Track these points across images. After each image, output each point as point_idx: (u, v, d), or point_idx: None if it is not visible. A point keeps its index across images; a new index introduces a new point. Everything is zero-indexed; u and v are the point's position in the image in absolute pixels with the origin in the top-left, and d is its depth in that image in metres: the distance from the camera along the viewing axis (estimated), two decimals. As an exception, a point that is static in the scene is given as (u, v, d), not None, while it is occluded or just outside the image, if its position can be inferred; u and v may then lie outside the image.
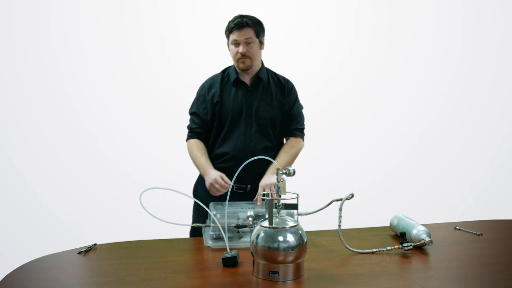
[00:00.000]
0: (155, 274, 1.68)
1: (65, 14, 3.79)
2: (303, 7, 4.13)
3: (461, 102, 4.35)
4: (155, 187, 2.17)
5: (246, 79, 2.30)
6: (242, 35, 2.18)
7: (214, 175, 2.13)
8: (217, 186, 2.10)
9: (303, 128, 2.38)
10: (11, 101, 3.76)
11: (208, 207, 1.92)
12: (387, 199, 3.87)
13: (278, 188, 1.62)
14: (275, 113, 2.29)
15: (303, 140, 2.38)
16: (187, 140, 2.36)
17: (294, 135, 2.34)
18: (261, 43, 2.27)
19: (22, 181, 3.72)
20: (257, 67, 2.30)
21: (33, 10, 3.74)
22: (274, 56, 4.09)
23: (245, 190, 2.28)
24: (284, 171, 1.61)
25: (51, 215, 3.63)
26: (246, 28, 2.18)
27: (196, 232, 2.17)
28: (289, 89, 2.34)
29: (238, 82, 2.29)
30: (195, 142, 2.30)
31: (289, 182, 1.63)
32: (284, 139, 2.38)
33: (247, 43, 2.19)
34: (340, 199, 1.76)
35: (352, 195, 1.74)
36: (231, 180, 2.00)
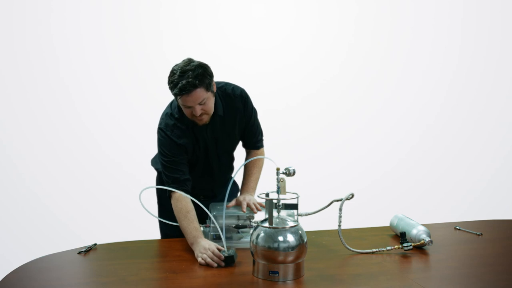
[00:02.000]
0: (155, 274, 1.68)
1: (65, 14, 3.79)
2: (303, 7, 4.13)
3: (461, 102, 4.35)
4: (154, 186, 2.17)
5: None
6: (194, 100, 1.83)
7: (204, 246, 1.77)
8: (209, 260, 1.71)
9: (262, 138, 2.27)
10: (11, 101, 3.75)
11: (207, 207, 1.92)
12: (387, 199, 3.87)
13: (278, 188, 1.62)
14: (237, 137, 2.16)
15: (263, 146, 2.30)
16: (172, 191, 1.93)
17: (257, 148, 2.25)
18: (213, 90, 1.91)
19: (22, 181, 3.72)
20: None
21: (33, 10, 3.74)
22: (274, 56, 4.13)
23: (212, 196, 2.24)
24: (284, 171, 1.61)
25: (51, 215, 3.62)
26: (195, 90, 1.81)
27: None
28: (244, 104, 2.08)
29: (197, 125, 2.01)
30: (185, 197, 1.89)
31: (289, 182, 1.63)
32: (245, 148, 2.29)
33: (201, 103, 1.85)
34: (340, 199, 1.76)
35: (352, 195, 1.74)
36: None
